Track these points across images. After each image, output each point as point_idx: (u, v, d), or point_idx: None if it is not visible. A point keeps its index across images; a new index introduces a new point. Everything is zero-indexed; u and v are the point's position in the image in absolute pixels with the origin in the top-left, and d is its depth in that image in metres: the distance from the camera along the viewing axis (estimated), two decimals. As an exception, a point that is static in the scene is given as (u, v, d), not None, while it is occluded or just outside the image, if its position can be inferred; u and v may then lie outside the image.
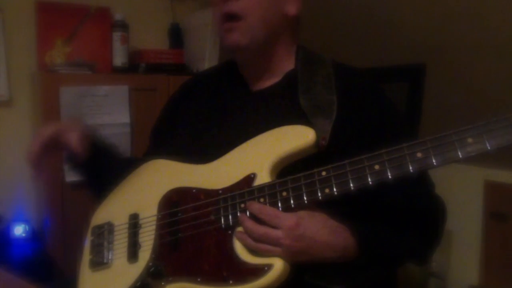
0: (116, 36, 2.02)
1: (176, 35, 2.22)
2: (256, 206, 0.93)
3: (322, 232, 0.91)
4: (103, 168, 1.21)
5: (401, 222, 1.00)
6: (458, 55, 1.57)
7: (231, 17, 1.05)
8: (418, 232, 1.02)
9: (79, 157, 1.16)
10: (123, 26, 2.04)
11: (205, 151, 1.07)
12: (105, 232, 1.11)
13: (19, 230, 1.82)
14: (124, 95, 1.88)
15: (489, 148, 0.81)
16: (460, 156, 0.82)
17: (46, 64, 1.93)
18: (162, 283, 0.97)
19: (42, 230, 1.87)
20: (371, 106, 1.05)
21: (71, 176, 1.79)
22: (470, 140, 0.82)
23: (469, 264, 1.85)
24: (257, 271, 0.89)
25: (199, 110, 1.18)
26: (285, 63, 1.13)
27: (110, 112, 1.86)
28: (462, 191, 1.78)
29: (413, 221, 1.02)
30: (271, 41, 1.09)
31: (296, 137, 0.97)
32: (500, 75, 1.52)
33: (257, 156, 0.99)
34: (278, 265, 0.89)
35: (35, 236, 1.85)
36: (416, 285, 1.91)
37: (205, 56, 2.08)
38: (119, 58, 2.02)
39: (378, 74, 1.73)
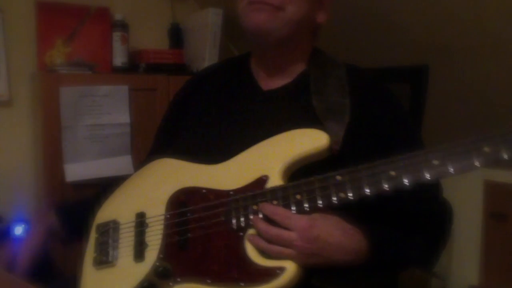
0: (116, 36, 2.02)
1: (176, 35, 2.22)
2: (269, 208, 0.92)
3: (336, 234, 0.90)
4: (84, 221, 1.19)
5: (410, 226, 0.99)
6: (462, 56, 1.56)
7: (269, 3, 1.01)
8: (426, 236, 1.02)
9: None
10: (123, 26, 2.04)
11: (214, 150, 1.07)
12: (110, 230, 1.10)
13: (19, 230, 1.82)
14: (124, 95, 1.88)
15: (506, 157, 0.80)
16: (478, 165, 0.82)
17: (46, 64, 1.93)
18: (170, 284, 0.97)
19: (42, 230, 1.87)
20: (384, 110, 1.05)
21: (71, 176, 1.80)
22: (487, 149, 0.82)
23: (469, 264, 1.85)
24: (269, 274, 0.89)
25: (207, 109, 1.16)
26: (298, 64, 1.12)
27: (110, 112, 1.86)
28: (462, 191, 1.77)
29: (421, 225, 1.01)
30: (293, 40, 1.07)
31: (309, 141, 0.97)
32: (504, 77, 1.51)
33: (270, 158, 0.99)
34: (290, 268, 0.88)
35: (35, 236, 1.84)
36: (416, 285, 1.91)
37: (205, 56, 2.07)
38: (119, 58, 2.02)
39: (380, 74, 1.72)
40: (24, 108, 1.95)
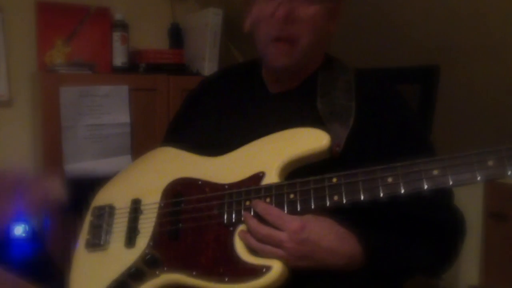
0: (116, 36, 2.02)
1: (176, 35, 2.22)
2: (261, 206, 0.92)
3: (328, 237, 0.89)
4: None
5: (416, 233, 0.97)
6: (473, 57, 1.54)
7: (284, 40, 1.02)
8: (433, 244, 0.99)
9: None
10: (123, 26, 2.04)
11: (216, 147, 1.06)
12: (105, 214, 1.11)
13: (19, 230, 1.82)
14: (124, 95, 1.88)
15: (509, 173, 0.78)
16: (478, 179, 0.80)
17: (46, 64, 1.93)
18: (157, 272, 0.97)
19: (42, 230, 1.87)
20: (390, 114, 1.03)
21: (71, 176, 1.80)
22: (490, 163, 0.79)
23: (469, 264, 1.85)
24: (255, 272, 0.88)
25: (216, 108, 1.17)
26: (309, 70, 1.12)
27: (110, 112, 1.86)
28: (462, 191, 1.77)
29: (429, 232, 0.99)
30: (310, 57, 1.09)
31: (309, 140, 0.96)
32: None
33: (268, 155, 0.98)
34: (276, 268, 0.88)
35: (35, 236, 1.85)
36: (416, 285, 1.91)
37: (205, 56, 2.07)
38: (119, 58, 2.02)
39: (391, 75, 1.71)
40: (24, 108, 1.95)
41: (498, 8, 1.37)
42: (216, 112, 1.16)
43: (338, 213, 0.91)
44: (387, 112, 1.04)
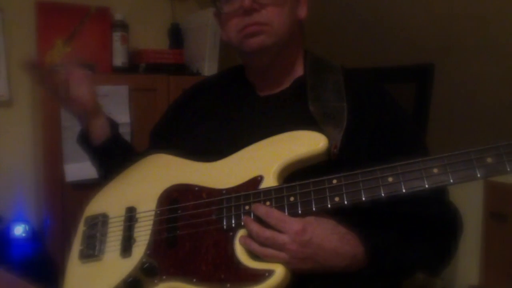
0: (116, 36, 2.02)
1: (176, 35, 2.22)
2: (262, 209, 0.91)
3: (330, 238, 0.88)
4: (117, 154, 1.22)
5: (413, 230, 0.97)
6: (468, 55, 1.55)
7: (255, 24, 1.03)
8: (431, 241, 0.99)
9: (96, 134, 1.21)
10: (123, 26, 2.04)
11: (209, 153, 1.05)
12: (98, 223, 1.08)
13: (19, 230, 1.82)
14: (124, 95, 1.88)
15: (508, 170, 0.78)
16: (479, 176, 0.80)
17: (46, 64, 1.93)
18: (155, 281, 0.95)
19: (42, 230, 1.87)
20: (382, 113, 1.03)
21: (71, 176, 1.80)
22: (489, 160, 0.79)
23: (469, 264, 1.85)
24: (257, 276, 0.87)
25: (205, 115, 1.16)
26: (294, 70, 1.11)
27: (110, 112, 1.83)
28: (462, 191, 1.77)
29: (426, 229, 0.98)
30: (287, 44, 1.07)
31: (308, 143, 0.95)
32: (510, 76, 1.50)
33: (266, 159, 0.97)
34: (279, 272, 0.87)
35: (35, 236, 1.85)
36: (417, 285, 1.91)
37: (205, 56, 2.07)
38: (119, 58, 2.02)
39: (386, 74, 1.71)
40: (24, 108, 1.95)
41: (493, 8, 1.37)
42: (206, 119, 1.15)
43: (336, 214, 0.90)
44: (378, 111, 1.04)
